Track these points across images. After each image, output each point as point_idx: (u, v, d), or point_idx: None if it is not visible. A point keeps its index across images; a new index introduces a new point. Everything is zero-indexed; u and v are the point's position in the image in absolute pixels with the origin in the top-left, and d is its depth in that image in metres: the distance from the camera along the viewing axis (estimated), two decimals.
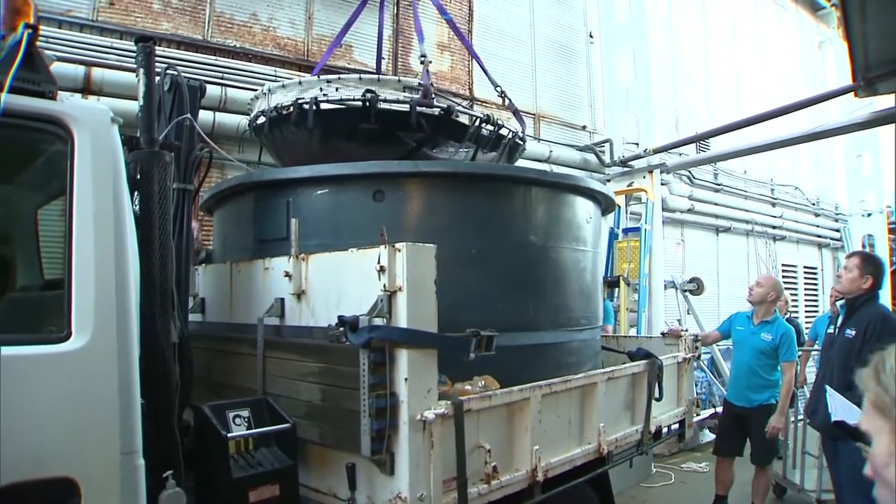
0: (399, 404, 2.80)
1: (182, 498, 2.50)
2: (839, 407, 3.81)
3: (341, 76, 4.27)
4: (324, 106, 4.10)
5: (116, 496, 2.25)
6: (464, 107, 8.93)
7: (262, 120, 4.34)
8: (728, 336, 6.48)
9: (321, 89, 4.16)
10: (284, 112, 4.21)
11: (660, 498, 7.19)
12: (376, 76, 4.22)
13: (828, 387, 4.30)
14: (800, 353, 6.69)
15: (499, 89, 5.34)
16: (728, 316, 6.60)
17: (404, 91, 4.17)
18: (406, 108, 4.09)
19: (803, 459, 7.03)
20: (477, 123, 4.46)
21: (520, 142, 4.86)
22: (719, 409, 8.66)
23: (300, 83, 4.29)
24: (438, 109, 4.17)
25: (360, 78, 4.18)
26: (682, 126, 12.28)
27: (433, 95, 4.20)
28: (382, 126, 3.99)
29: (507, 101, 5.30)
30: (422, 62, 5.04)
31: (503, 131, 4.65)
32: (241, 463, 2.81)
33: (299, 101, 4.12)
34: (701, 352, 6.02)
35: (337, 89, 4.16)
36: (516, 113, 5.42)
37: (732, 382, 6.31)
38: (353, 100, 4.09)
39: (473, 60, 10.08)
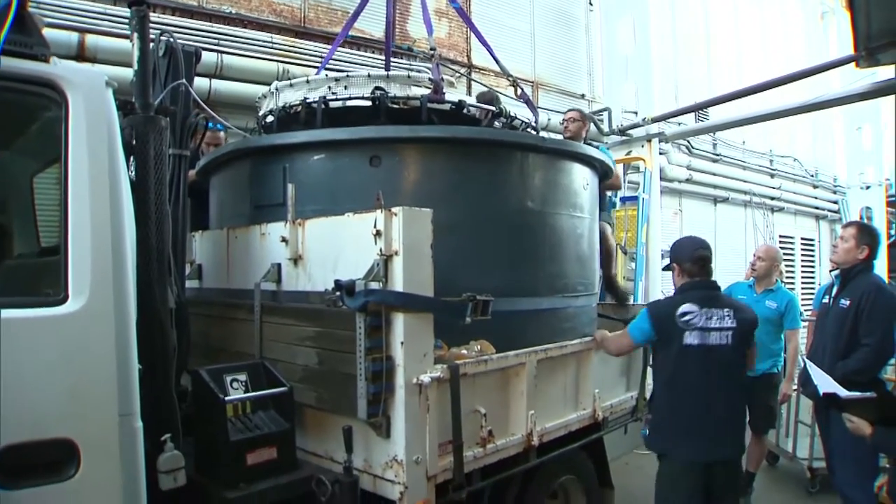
0: (395, 368, 2.83)
1: (180, 460, 2.54)
2: (821, 379, 3.86)
3: (349, 75, 4.27)
4: (333, 104, 4.08)
5: (115, 457, 2.27)
6: (467, 76, 8.90)
7: (270, 119, 4.33)
8: None
9: (330, 88, 4.17)
10: (293, 111, 4.20)
11: (654, 465, 7.24)
12: (385, 73, 4.18)
13: (808, 360, 4.36)
14: (804, 322, 6.71)
15: (511, 78, 5.29)
16: (726, 287, 6.63)
17: (414, 87, 4.16)
18: (417, 104, 4.06)
19: (796, 428, 7.11)
20: (489, 117, 4.46)
21: (532, 132, 4.85)
22: None
23: (308, 81, 4.31)
24: (449, 105, 4.16)
25: (369, 75, 4.18)
26: (682, 96, 12.21)
27: (444, 91, 4.18)
28: (393, 124, 3.98)
29: (519, 91, 5.24)
30: (431, 56, 5.00)
31: (516, 122, 4.64)
32: (239, 426, 2.84)
33: (308, 101, 4.11)
34: None
35: (346, 87, 4.16)
36: (528, 102, 5.38)
37: None
38: (363, 97, 4.08)
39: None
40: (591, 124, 5.32)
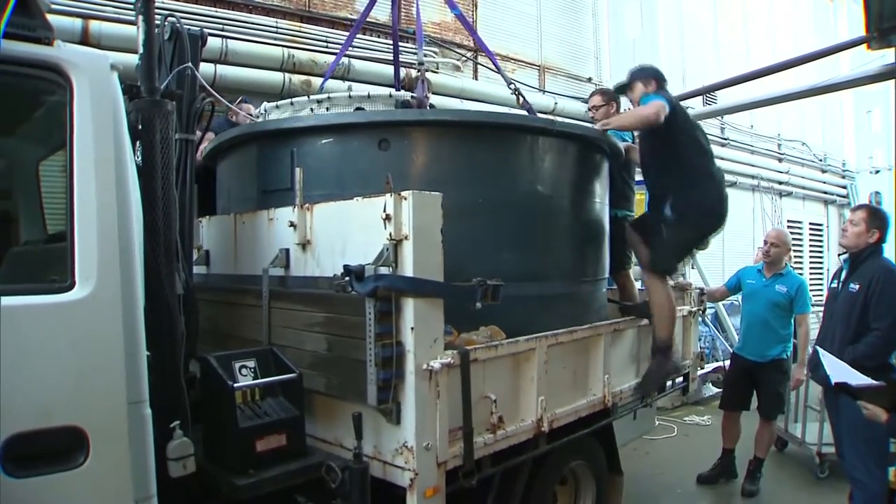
0: (405, 354, 2.80)
1: (189, 447, 2.51)
2: (834, 367, 3.84)
3: (331, 96, 4.29)
4: None
5: (124, 445, 2.25)
6: (473, 59, 8.81)
7: None
8: (736, 291, 6.49)
9: (312, 110, 4.22)
10: None
11: (662, 450, 7.27)
12: (366, 93, 4.15)
13: (819, 348, 4.33)
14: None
15: (512, 87, 5.23)
16: (735, 272, 6.59)
17: (397, 106, 4.16)
18: None
19: (805, 413, 7.10)
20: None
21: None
22: (723, 364, 8.73)
23: (292, 103, 4.35)
24: None
25: (350, 96, 4.21)
26: (690, 79, 12.11)
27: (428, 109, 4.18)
28: None
29: (521, 100, 5.18)
30: (418, 71, 4.95)
31: None
32: (248, 413, 2.82)
33: None
34: (706, 306, 6.02)
35: (328, 109, 4.20)
36: (531, 111, 5.31)
37: (744, 336, 6.33)
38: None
39: (478, 8, 9.99)
40: (617, 102, 5.24)
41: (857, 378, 3.67)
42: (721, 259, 12.20)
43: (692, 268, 10.62)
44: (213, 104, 3.83)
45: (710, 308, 9.43)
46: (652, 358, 4.51)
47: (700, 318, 5.97)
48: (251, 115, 5.79)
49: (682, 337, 5.13)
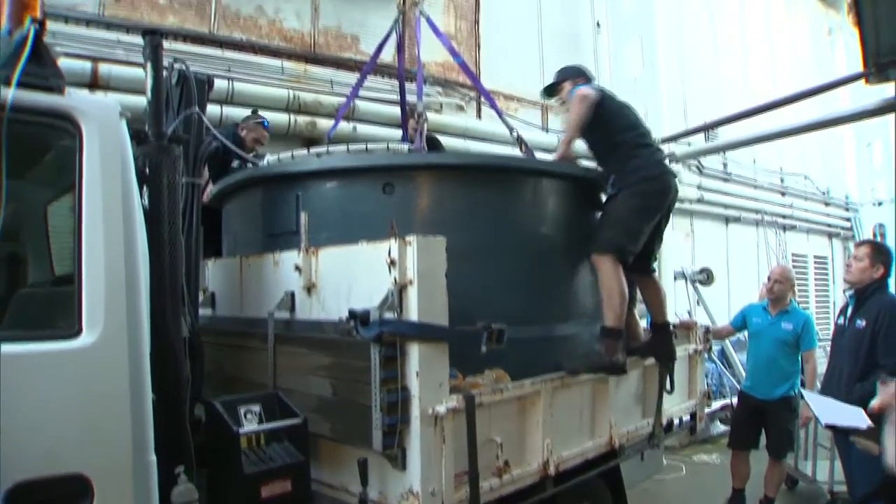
0: (410, 398, 2.79)
1: (194, 493, 2.50)
2: (821, 408, 3.81)
3: (329, 149, 4.38)
4: None
5: (129, 492, 2.25)
6: (477, 100, 8.87)
7: None
8: (742, 329, 6.45)
9: None
10: None
11: (671, 490, 7.18)
12: (364, 146, 4.21)
13: (804, 391, 4.32)
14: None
15: (514, 133, 5.28)
16: (739, 309, 6.57)
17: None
18: None
19: (815, 451, 7.01)
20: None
21: None
22: (731, 401, 8.65)
23: (293, 157, 4.44)
24: None
25: (349, 150, 4.27)
26: (691, 115, 12.20)
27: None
28: None
29: (524, 147, 5.23)
30: (416, 121, 5.01)
31: None
32: (253, 458, 2.80)
33: None
34: (712, 343, 5.99)
35: None
36: (532, 157, 5.37)
37: (751, 374, 6.27)
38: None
39: (480, 49, 10.11)
40: None
41: (846, 418, 3.66)
42: (726, 294, 12.16)
43: (698, 304, 10.61)
44: (218, 147, 3.87)
45: (716, 343, 9.38)
46: (599, 342, 4.10)
47: (706, 355, 5.93)
48: (262, 135, 5.88)
49: (688, 376, 5.11)
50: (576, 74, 4.78)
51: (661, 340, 4.62)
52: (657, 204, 4.31)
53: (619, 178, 4.28)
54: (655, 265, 4.76)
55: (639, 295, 4.91)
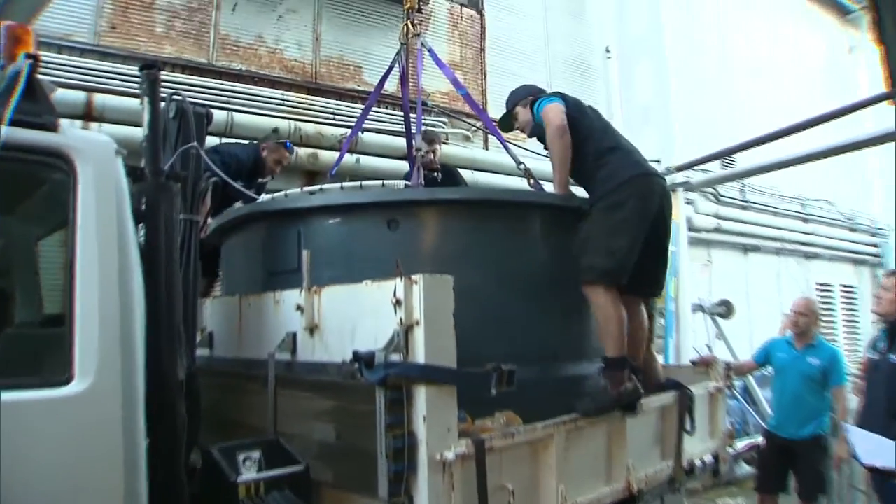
0: (417, 444, 2.76)
1: None
2: (865, 446, 3.74)
3: (323, 188, 4.38)
4: None
5: None
6: (483, 129, 8.94)
7: None
8: (765, 365, 6.39)
9: None
10: None
11: None
12: (359, 183, 4.25)
13: (846, 424, 4.24)
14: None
15: (522, 167, 5.31)
16: (762, 343, 6.52)
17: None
18: None
19: (850, 494, 6.89)
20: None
21: None
22: (756, 440, 8.55)
23: (286, 196, 4.45)
24: None
25: (342, 187, 4.29)
26: (706, 141, 12.23)
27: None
28: None
29: (532, 182, 5.26)
30: (414, 157, 5.06)
31: None
32: None
33: None
34: (733, 379, 5.93)
35: None
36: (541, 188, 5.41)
37: (777, 412, 6.21)
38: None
39: (486, 77, 10.21)
40: None
41: (890, 457, 3.59)
42: (747, 326, 12.09)
43: (717, 338, 10.54)
44: (217, 183, 3.90)
45: (738, 380, 9.30)
46: (601, 375, 3.87)
47: (728, 392, 5.87)
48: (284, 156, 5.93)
49: (709, 414, 5.05)
50: (524, 95, 4.62)
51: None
52: (637, 212, 3.91)
53: (593, 191, 4.06)
54: (654, 295, 4.50)
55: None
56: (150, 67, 3.02)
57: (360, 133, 7.91)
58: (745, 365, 6.68)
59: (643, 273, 4.01)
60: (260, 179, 5.96)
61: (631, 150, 4.21)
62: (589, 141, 4.12)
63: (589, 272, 3.80)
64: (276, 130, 6.42)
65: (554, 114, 4.09)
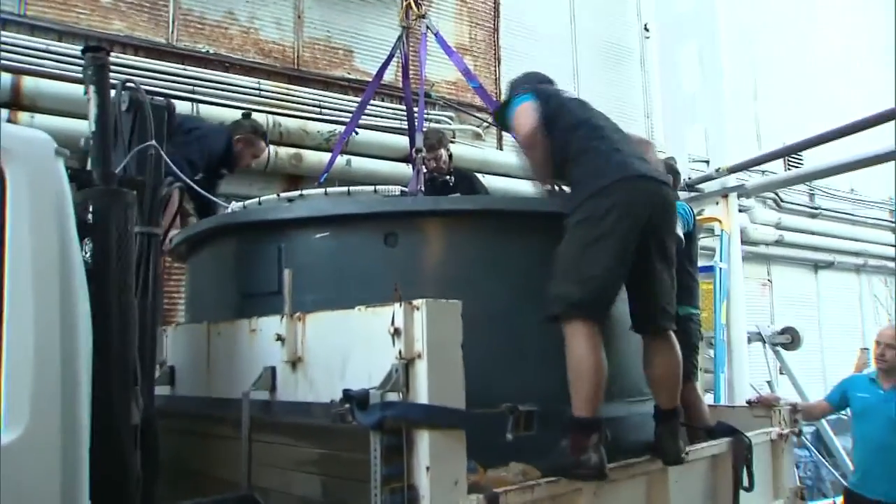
0: (419, 500, 2.76)
1: None
2: None
3: (303, 192, 4.51)
4: None
5: None
6: (495, 124, 9.00)
7: None
8: (841, 407, 6.33)
9: None
10: None
11: None
12: (346, 189, 4.28)
13: None
14: None
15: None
16: (838, 382, 6.46)
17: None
18: None
19: None
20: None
21: None
22: (833, 501, 8.46)
23: (260, 203, 4.52)
24: None
25: (326, 192, 4.37)
26: (765, 137, 12.23)
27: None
28: None
29: (553, 189, 5.29)
30: (414, 159, 5.09)
31: None
32: None
33: None
34: (802, 424, 5.88)
35: None
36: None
37: (860, 466, 6.14)
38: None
39: (501, 63, 10.24)
40: (677, 176, 5.30)
41: None
42: (820, 359, 12.04)
43: (780, 373, 10.48)
44: (182, 190, 3.90)
45: (807, 426, 9.23)
46: (564, 436, 3.52)
47: (794, 440, 5.83)
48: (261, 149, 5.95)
49: (771, 467, 5.02)
50: (516, 86, 4.59)
51: (665, 434, 3.93)
52: (618, 228, 3.63)
53: (568, 202, 3.89)
54: (667, 318, 4.02)
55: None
56: (97, 50, 3.02)
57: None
58: (816, 407, 6.58)
59: (641, 301, 3.89)
60: (224, 171, 5.95)
61: (617, 147, 3.93)
62: (569, 139, 3.97)
63: (555, 303, 3.57)
64: (248, 116, 6.29)
65: (523, 118, 4.00)
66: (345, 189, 4.33)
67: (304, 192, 4.42)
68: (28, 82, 6.64)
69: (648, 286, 3.85)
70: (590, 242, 3.60)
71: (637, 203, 3.69)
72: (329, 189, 4.31)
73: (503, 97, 4.74)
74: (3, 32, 6.85)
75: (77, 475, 2.30)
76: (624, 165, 3.79)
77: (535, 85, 4.37)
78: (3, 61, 6.63)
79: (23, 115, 6.51)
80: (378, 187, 4.45)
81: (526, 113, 3.99)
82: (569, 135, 3.96)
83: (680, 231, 4.69)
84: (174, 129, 5.26)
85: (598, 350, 3.54)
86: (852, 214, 13.89)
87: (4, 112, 6.40)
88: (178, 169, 4.65)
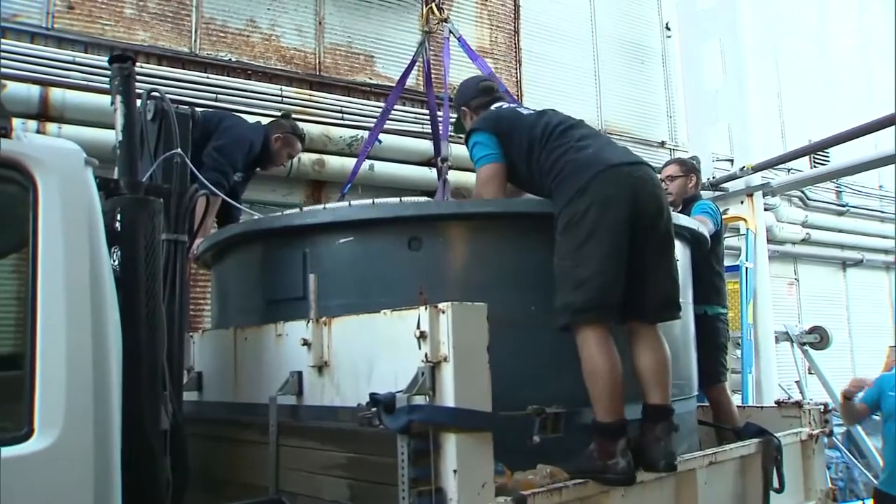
0: (447, 503, 2.76)
1: None
2: None
3: (326, 206, 4.52)
4: None
5: None
6: None
7: None
8: (878, 407, 6.26)
9: None
10: None
11: None
12: (371, 201, 4.29)
13: None
14: None
15: None
16: (873, 380, 6.38)
17: None
18: None
19: None
20: None
21: None
22: (864, 502, 8.38)
23: (282, 214, 4.52)
24: None
25: (350, 204, 4.39)
26: (791, 135, 12.11)
27: None
28: None
29: None
30: (440, 168, 5.08)
31: None
32: None
33: None
34: (833, 425, 5.81)
35: None
36: None
37: (890, 467, 6.09)
38: None
39: (521, 66, 10.21)
40: (696, 174, 5.27)
41: None
42: (850, 359, 11.91)
43: (809, 373, 10.38)
44: (207, 198, 3.93)
45: (838, 426, 9.12)
46: (591, 440, 3.52)
47: (826, 441, 5.77)
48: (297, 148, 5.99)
49: (802, 469, 4.98)
50: (471, 96, 4.52)
51: (658, 434, 3.67)
52: (603, 220, 3.59)
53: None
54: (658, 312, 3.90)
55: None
56: (123, 60, 3.05)
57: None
58: (857, 408, 6.48)
59: (639, 292, 3.72)
60: (259, 170, 6.00)
61: (583, 145, 3.87)
62: (532, 156, 3.94)
63: (562, 314, 3.56)
64: (287, 116, 6.30)
65: (487, 190, 4.02)
66: (369, 201, 4.34)
67: (327, 206, 4.43)
68: (56, 94, 6.70)
69: (644, 275, 3.72)
70: (578, 246, 3.58)
71: (615, 194, 3.63)
72: (353, 202, 4.32)
73: (452, 113, 4.69)
74: (30, 45, 6.97)
75: (110, 480, 2.32)
76: (593, 160, 3.74)
77: (482, 113, 4.31)
78: (31, 73, 6.71)
79: (51, 126, 6.58)
80: (403, 199, 4.45)
81: (490, 184, 4.01)
82: (530, 154, 3.94)
83: (706, 232, 4.68)
84: (212, 130, 5.34)
85: (611, 353, 3.52)
86: (881, 211, 13.71)
87: (23, 122, 6.46)
88: (222, 174, 4.74)
